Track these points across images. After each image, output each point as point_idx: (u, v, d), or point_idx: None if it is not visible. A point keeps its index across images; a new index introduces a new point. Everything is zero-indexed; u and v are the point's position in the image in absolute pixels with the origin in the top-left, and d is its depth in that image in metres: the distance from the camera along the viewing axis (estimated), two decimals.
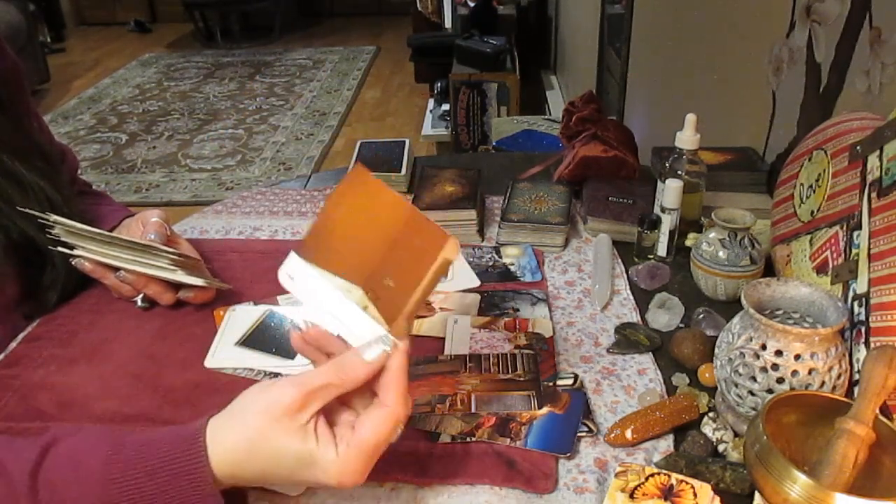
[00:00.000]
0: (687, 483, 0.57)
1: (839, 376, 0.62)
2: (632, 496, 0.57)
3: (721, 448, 0.65)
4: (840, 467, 0.54)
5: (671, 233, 0.94)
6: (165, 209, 0.92)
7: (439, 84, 3.63)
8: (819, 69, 1.03)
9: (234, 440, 0.52)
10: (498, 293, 0.89)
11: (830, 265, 0.75)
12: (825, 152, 0.80)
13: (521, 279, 0.93)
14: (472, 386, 0.72)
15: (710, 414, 0.69)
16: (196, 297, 0.85)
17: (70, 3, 6.71)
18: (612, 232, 1.01)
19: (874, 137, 0.71)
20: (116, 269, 0.83)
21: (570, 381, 0.74)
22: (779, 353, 0.62)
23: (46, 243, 0.81)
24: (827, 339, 0.62)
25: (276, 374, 0.75)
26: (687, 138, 0.96)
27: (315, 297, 0.56)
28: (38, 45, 4.87)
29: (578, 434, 0.67)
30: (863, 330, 0.67)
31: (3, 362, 0.78)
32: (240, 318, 0.84)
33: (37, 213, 0.79)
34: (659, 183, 0.97)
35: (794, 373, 0.62)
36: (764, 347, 0.63)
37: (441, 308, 0.86)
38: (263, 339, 0.81)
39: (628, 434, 0.66)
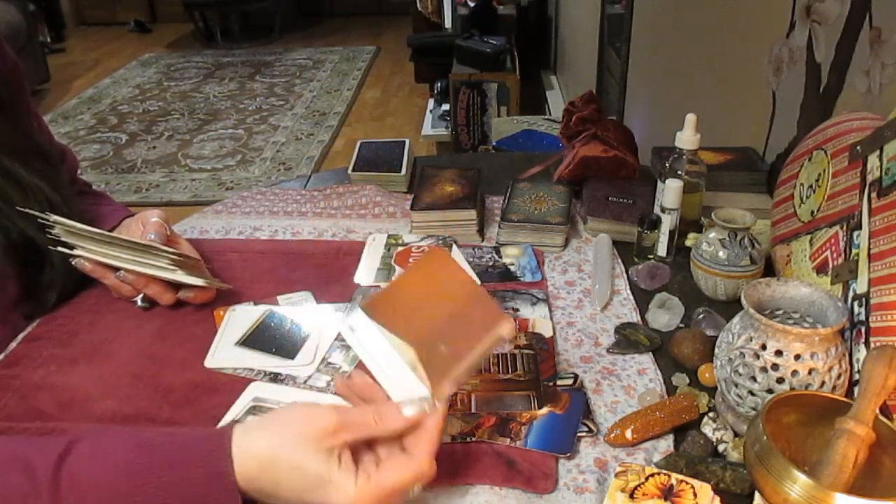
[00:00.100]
0: (687, 483, 0.57)
1: (839, 376, 0.62)
2: (632, 496, 0.57)
3: (721, 448, 0.65)
4: (840, 467, 0.54)
5: (671, 233, 0.94)
6: (165, 209, 0.92)
7: (439, 84, 3.63)
8: (819, 69, 1.03)
9: (261, 445, 0.53)
10: (498, 293, 0.89)
11: (830, 265, 0.75)
12: (825, 152, 0.80)
13: (521, 279, 0.93)
14: (472, 386, 0.72)
15: (710, 414, 0.69)
16: (196, 297, 0.85)
17: (70, 3, 6.71)
18: (612, 232, 1.01)
19: (874, 137, 0.71)
20: (116, 269, 0.83)
21: (570, 381, 0.74)
22: (779, 353, 0.62)
23: (46, 243, 0.81)
24: (827, 339, 0.62)
25: (276, 374, 0.75)
26: (687, 138, 0.96)
27: (370, 350, 0.60)
28: (38, 45, 4.87)
29: (578, 434, 0.67)
30: (863, 330, 0.67)
31: (3, 362, 0.78)
32: (240, 318, 0.84)
33: (36, 213, 0.79)
34: (659, 183, 0.97)
35: (794, 373, 0.62)
36: (764, 347, 0.63)
37: None
38: (263, 339, 0.81)
39: (628, 434, 0.66)
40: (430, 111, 3.76)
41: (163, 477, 0.52)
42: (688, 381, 0.74)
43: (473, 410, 0.69)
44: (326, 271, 0.95)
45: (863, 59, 0.91)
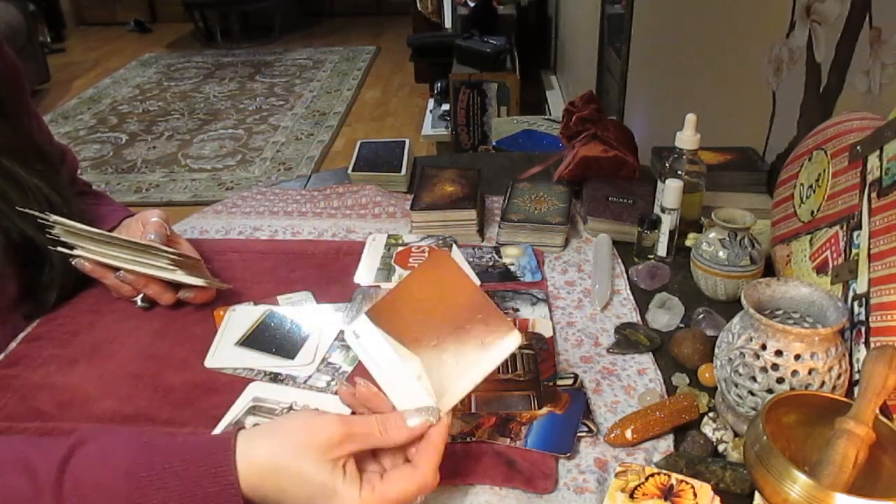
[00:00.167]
0: (687, 483, 0.57)
1: (839, 376, 0.62)
2: (632, 496, 0.57)
3: (721, 448, 0.65)
4: (840, 467, 0.54)
5: (671, 233, 0.94)
6: (165, 209, 0.92)
7: (439, 84, 3.63)
8: (819, 69, 1.03)
9: (265, 454, 0.53)
10: (498, 293, 0.89)
11: (830, 265, 0.75)
12: (825, 152, 0.80)
13: (521, 279, 0.93)
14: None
15: (710, 414, 0.69)
16: (196, 297, 0.85)
17: (70, 3, 6.71)
18: (612, 232, 1.01)
19: (874, 137, 0.71)
20: (116, 269, 0.83)
21: (570, 381, 0.74)
22: (779, 353, 0.62)
23: (46, 243, 0.81)
24: (827, 339, 0.62)
25: (276, 374, 0.75)
26: (687, 138, 0.96)
27: (375, 357, 0.60)
28: (38, 45, 4.87)
29: (578, 434, 0.67)
30: (863, 330, 0.67)
31: (3, 362, 0.78)
32: (240, 318, 0.84)
33: (36, 213, 0.79)
34: (659, 183, 0.97)
35: (794, 373, 0.62)
36: (764, 347, 0.63)
37: None
38: (263, 339, 0.81)
39: (628, 434, 0.65)
40: (430, 111, 3.76)
41: (166, 482, 0.52)
42: (688, 381, 0.74)
43: (473, 410, 0.69)
44: (326, 271, 0.95)
45: (863, 59, 0.91)
